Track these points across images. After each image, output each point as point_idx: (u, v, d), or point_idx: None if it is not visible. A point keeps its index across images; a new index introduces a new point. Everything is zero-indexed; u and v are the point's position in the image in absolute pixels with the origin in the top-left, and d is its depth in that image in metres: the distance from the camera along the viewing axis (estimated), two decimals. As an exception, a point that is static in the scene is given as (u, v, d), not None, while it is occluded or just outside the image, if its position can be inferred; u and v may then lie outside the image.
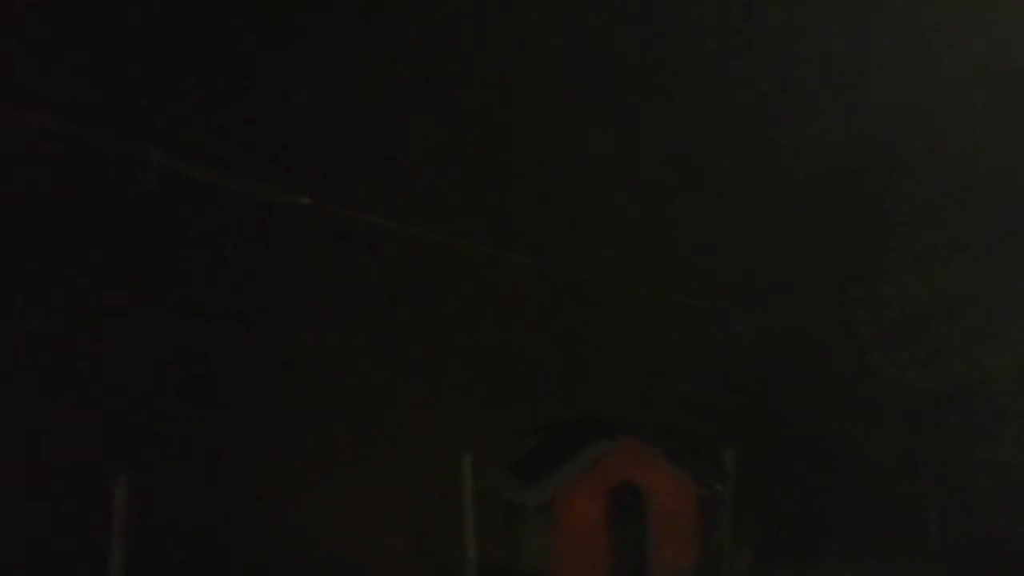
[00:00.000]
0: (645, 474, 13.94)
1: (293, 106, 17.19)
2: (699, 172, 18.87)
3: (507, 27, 19.09)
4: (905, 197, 16.35)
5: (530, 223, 17.57)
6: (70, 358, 13.83)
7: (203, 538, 13.36)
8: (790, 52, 19.35)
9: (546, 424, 15.46)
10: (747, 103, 19.48)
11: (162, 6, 16.25)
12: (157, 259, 14.77)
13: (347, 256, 15.99)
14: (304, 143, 16.76)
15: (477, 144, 18.09)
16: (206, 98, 16.29)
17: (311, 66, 17.36)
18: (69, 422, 13.78)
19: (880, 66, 19.19)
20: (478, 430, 15.30)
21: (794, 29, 19.30)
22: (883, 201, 16.51)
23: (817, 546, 15.50)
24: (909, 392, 15.31)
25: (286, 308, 15.78)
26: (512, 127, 18.36)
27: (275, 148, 16.23)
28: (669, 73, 19.40)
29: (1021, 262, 15.66)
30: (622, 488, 13.84)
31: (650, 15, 19.75)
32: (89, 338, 13.68)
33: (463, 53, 18.91)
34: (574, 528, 13.40)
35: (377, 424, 15.67)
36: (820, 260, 17.02)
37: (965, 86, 17.89)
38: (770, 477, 15.68)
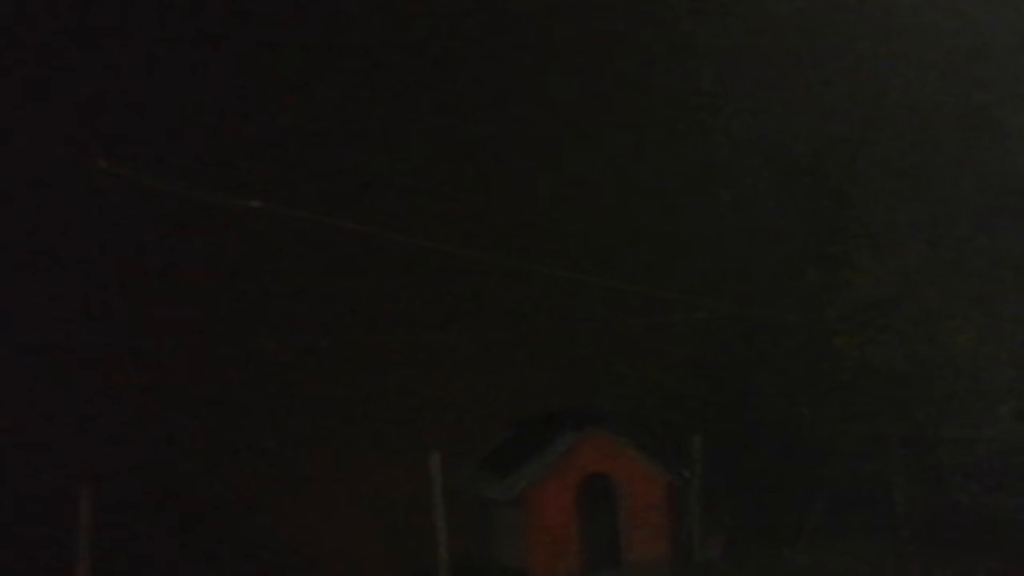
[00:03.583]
0: (614, 464, 13.99)
1: (243, 108, 16.98)
2: (658, 160, 18.91)
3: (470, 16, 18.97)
4: (864, 180, 16.55)
5: (492, 217, 17.54)
6: (31, 368, 13.65)
7: (170, 542, 13.26)
8: (747, 36, 19.46)
9: (517, 419, 15.48)
10: (705, 89, 19.57)
11: (106, 9, 15.97)
12: (107, 269, 14.56)
13: (301, 259, 15.87)
14: (254, 145, 16.57)
15: (437, 139, 18.00)
16: (153, 102, 16.06)
17: (264, 67, 17.16)
18: (31, 432, 13.59)
19: (837, 50, 19.35)
20: (448, 427, 15.32)
21: (752, 14, 19.41)
22: (842, 185, 16.70)
23: (788, 528, 15.66)
24: (873, 373, 15.51)
25: (246, 313, 15.64)
26: (472, 119, 18.29)
27: (224, 151, 16.05)
28: (629, 60, 19.42)
29: (977, 242, 15.91)
30: (592, 479, 13.90)
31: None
32: (48, 348, 13.48)
33: (428, 47, 18.78)
34: (545, 521, 13.44)
35: (345, 424, 15.60)
36: (781, 245, 17.19)
37: (919, 70, 18.12)
38: (739, 462, 15.82)
